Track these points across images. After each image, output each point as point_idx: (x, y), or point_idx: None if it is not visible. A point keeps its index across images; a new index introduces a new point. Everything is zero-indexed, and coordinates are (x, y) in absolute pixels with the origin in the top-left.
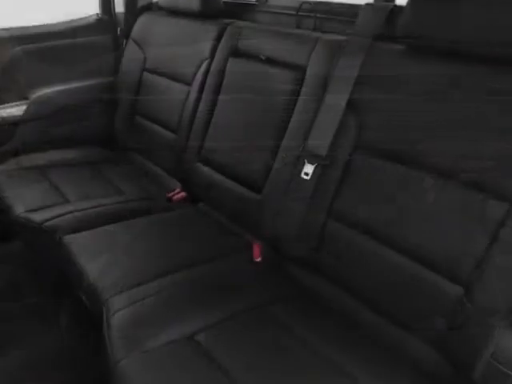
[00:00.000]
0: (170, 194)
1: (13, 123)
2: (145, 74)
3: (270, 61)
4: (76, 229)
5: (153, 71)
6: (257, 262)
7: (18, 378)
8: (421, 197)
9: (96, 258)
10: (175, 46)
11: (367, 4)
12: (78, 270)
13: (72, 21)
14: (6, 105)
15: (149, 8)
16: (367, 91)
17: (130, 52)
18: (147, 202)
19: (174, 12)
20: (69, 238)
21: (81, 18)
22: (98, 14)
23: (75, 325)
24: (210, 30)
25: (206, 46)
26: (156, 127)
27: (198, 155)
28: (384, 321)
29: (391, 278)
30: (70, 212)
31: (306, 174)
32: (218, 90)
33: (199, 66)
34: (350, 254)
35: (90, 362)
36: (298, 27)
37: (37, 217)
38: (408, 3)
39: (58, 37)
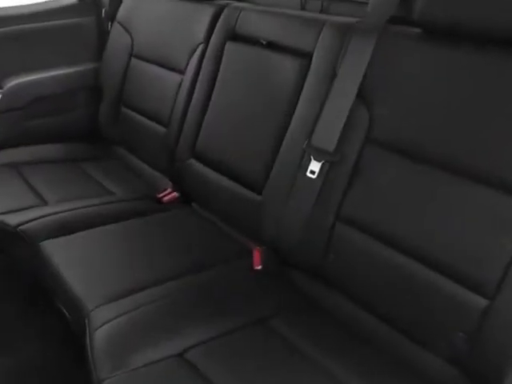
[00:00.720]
0: (161, 195)
1: None
2: (132, 60)
3: (272, 46)
4: (55, 233)
5: (141, 57)
6: (257, 270)
7: None
8: (438, 197)
9: (77, 265)
10: (166, 29)
11: None
12: (58, 278)
13: (51, 1)
14: None
15: None
16: (379, 79)
17: (116, 36)
18: (136, 203)
19: None
20: (47, 244)
21: None
22: None
23: (57, 335)
24: (204, 10)
25: (201, 29)
26: (145, 120)
27: (192, 151)
28: (396, 334)
29: (406, 287)
30: (49, 215)
31: (313, 172)
32: (213, 78)
33: (193, 52)
34: (360, 261)
35: (75, 374)
36: (303, 9)
37: (11, 219)
38: None
39: (34, 19)
